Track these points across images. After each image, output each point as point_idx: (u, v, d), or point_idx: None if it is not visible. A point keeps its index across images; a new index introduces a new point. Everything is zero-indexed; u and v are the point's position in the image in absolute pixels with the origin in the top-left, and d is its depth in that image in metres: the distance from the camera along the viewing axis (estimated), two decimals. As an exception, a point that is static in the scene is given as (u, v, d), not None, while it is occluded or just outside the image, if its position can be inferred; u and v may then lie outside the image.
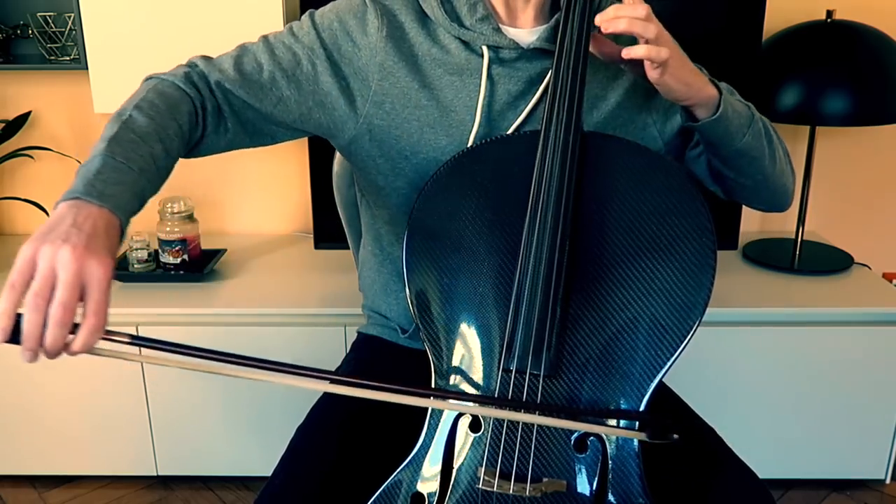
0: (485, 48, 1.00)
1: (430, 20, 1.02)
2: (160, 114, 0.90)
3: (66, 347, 0.72)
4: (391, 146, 1.03)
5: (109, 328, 0.73)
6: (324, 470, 0.96)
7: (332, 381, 0.82)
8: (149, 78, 0.99)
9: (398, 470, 0.90)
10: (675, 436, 0.84)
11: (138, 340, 0.76)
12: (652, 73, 0.91)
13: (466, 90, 1.01)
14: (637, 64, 0.92)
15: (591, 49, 0.93)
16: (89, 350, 0.72)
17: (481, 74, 1.00)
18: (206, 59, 1.01)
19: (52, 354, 0.71)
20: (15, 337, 0.70)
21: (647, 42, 0.89)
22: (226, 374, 0.80)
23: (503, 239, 0.92)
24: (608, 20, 0.89)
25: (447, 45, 1.02)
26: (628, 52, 0.90)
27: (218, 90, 0.98)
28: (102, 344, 0.73)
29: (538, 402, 0.88)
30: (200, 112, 0.97)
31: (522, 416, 0.86)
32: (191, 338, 1.69)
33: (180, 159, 0.94)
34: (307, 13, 1.05)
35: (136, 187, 0.83)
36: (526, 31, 1.02)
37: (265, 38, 1.03)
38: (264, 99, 1.00)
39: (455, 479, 0.89)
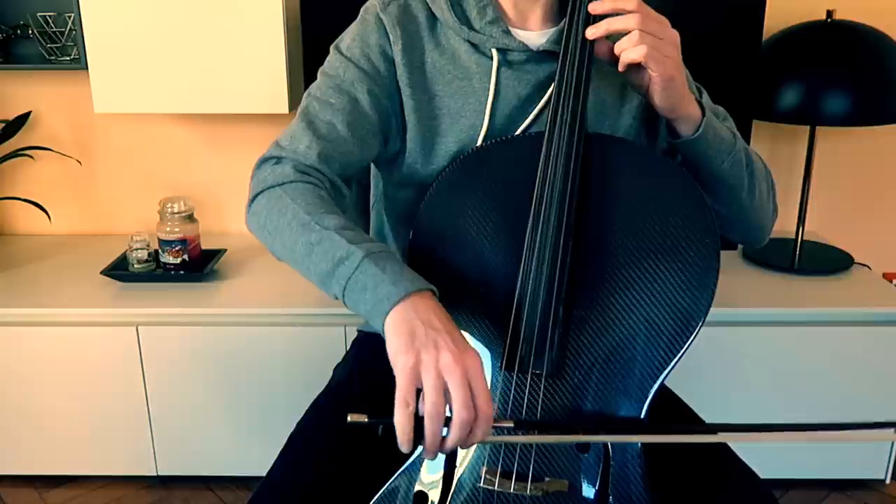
0: (494, 51, 1.01)
1: (440, 23, 1.03)
2: (327, 207, 0.90)
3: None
4: (411, 154, 1.04)
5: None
6: (321, 469, 0.96)
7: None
8: (264, 190, 0.94)
9: (401, 469, 0.90)
10: None
11: (522, 424, 0.85)
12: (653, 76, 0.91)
13: (475, 94, 1.01)
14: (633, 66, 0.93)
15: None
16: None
17: (490, 77, 1.01)
18: (281, 146, 0.97)
19: (450, 450, 0.77)
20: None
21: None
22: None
23: (507, 239, 0.92)
24: (592, 26, 0.92)
25: (456, 49, 1.02)
26: (618, 49, 0.91)
27: (323, 165, 0.96)
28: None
29: (544, 405, 0.88)
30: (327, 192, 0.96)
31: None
32: (191, 337, 1.70)
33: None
34: (332, 48, 1.04)
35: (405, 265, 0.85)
36: (535, 34, 1.02)
37: (312, 96, 1.00)
38: (354, 150, 0.98)
39: (458, 478, 0.89)
